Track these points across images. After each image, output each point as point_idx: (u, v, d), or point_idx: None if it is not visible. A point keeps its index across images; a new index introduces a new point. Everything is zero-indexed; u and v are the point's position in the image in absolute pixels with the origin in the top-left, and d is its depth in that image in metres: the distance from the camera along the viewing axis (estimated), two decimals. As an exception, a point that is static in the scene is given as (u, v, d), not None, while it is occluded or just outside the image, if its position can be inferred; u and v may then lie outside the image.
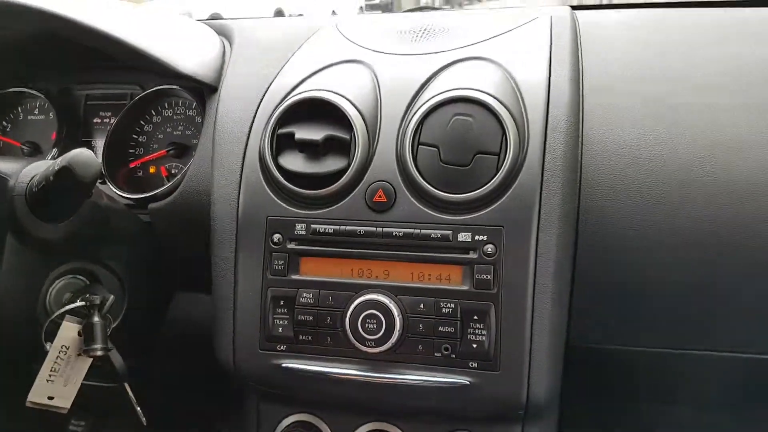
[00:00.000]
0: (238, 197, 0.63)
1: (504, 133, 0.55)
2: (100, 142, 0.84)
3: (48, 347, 0.60)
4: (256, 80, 0.70)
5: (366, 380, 0.58)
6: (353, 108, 0.60)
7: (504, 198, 0.55)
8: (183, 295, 0.79)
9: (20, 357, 0.65)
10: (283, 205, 0.61)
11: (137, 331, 0.71)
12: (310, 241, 0.60)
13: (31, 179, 0.56)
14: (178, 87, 0.78)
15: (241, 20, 0.90)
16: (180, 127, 0.81)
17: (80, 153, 0.53)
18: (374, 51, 0.68)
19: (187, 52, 0.73)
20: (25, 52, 0.82)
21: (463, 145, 0.56)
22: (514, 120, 0.56)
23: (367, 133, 0.60)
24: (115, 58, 0.71)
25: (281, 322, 0.60)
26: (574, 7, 0.76)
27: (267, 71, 0.70)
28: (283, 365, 0.60)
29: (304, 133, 0.60)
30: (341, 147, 0.60)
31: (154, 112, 0.82)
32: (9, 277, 0.56)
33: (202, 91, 0.75)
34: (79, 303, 0.61)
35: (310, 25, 0.80)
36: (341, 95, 0.61)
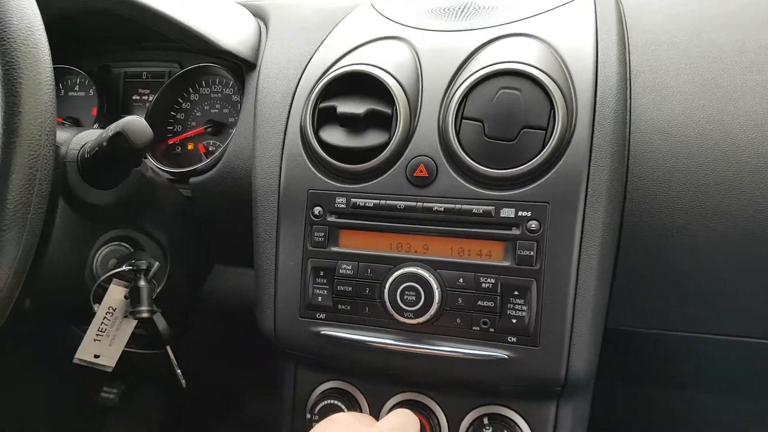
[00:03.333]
0: (280, 171, 0.64)
1: (552, 107, 0.55)
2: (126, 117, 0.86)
3: (96, 308, 0.62)
4: (294, 57, 0.70)
5: (402, 350, 0.58)
6: (395, 82, 0.60)
7: (550, 174, 0.55)
8: (220, 267, 0.80)
9: (70, 318, 0.67)
10: (324, 178, 0.62)
11: (176, 300, 0.73)
12: (349, 214, 0.60)
13: (83, 146, 0.58)
14: (217, 65, 0.79)
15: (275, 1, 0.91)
16: (217, 105, 0.82)
17: (133, 120, 0.54)
18: (413, 27, 0.69)
19: (228, 30, 0.74)
20: (68, 29, 0.83)
21: (510, 120, 0.55)
22: (563, 95, 0.56)
23: (409, 107, 0.60)
24: (159, 36, 0.73)
25: (321, 291, 0.61)
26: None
27: (305, 48, 0.71)
28: (322, 332, 0.61)
29: (345, 106, 0.60)
30: (382, 121, 0.60)
31: (191, 90, 0.83)
32: (60, 242, 0.57)
33: (241, 68, 0.76)
34: (126, 267, 0.62)
35: (344, 4, 0.80)
36: (383, 69, 0.61)
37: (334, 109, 0.61)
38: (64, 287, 0.61)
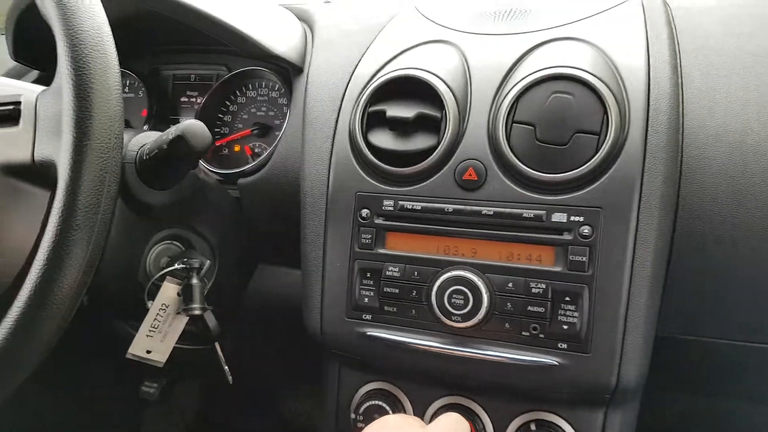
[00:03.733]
0: (329, 174, 0.65)
1: (606, 112, 0.55)
2: (186, 120, 0.88)
3: (149, 305, 0.64)
4: (342, 61, 0.71)
5: (449, 353, 0.58)
6: (444, 85, 0.60)
7: (603, 179, 0.54)
8: (263, 267, 0.82)
9: (122, 314, 0.69)
10: (372, 181, 0.62)
11: (223, 298, 0.75)
12: (397, 216, 0.61)
13: (141, 147, 0.59)
14: (264, 68, 0.81)
15: (321, 5, 0.92)
16: (263, 108, 0.84)
17: (194, 124, 0.55)
18: (460, 31, 0.69)
19: (277, 35, 0.76)
20: (122, 33, 0.86)
21: (562, 124, 0.55)
22: (616, 100, 0.55)
23: (458, 111, 0.60)
24: (207, 40, 0.74)
25: (367, 293, 0.61)
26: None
27: (352, 53, 0.71)
28: (368, 333, 0.61)
29: (395, 110, 0.61)
30: (430, 125, 0.60)
31: (238, 93, 0.84)
32: (117, 240, 0.59)
33: (287, 71, 0.77)
34: (179, 265, 0.64)
35: (388, 8, 0.81)
36: (431, 73, 0.62)
37: (382, 112, 0.61)
38: (119, 284, 0.63)
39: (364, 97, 0.63)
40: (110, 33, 0.47)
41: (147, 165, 0.58)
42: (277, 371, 1.00)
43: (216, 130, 0.85)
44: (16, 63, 0.87)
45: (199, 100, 0.87)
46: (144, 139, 0.61)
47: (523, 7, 0.72)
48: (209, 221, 0.72)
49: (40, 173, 0.47)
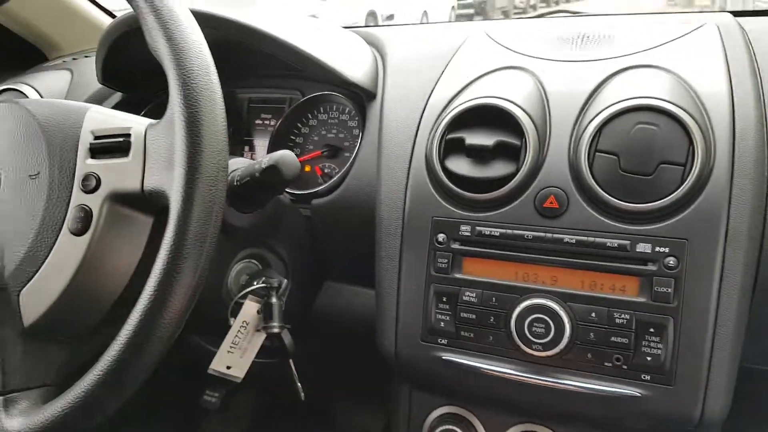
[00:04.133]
0: (405, 198, 0.66)
1: (691, 143, 0.54)
2: (259, 142, 0.92)
3: (231, 322, 0.67)
4: (416, 88, 0.73)
5: (528, 381, 0.59)
6: (524, 113, 0.61)
7: (689, 210, 0.54)
8: (330, 284, 0.84)
9: (203, 330, 0.72)
10: (449, 206, 0.63)
11: (293, 314, 0.77)
12: (474, 242, 0.62)
13: (232, 173, 0.62)
14: (337, 93, 0.83)
15: (387, 29, 0.95)
16: (333, 130, 0.86)
17: (286, 154, 0.58)
18: (534, 57, 0.69)
19: (351, 62, 0.78)
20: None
21: (647, 154, 0.55)
22: (701, 131, 0.55)
23: (538, 138, 0.61)
24: (283, 65, 0.77)
25: (443, 317, 0.62)
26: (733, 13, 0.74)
27: (425, 79, 0.73)
28: (444, 358, 0.62)
29: (474, 138, 0.62)
30: (509, 151, 0.61)
31: (310, 116, 0.87)
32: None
33: (360, 97, 0.80)
34: (260, 284, 0.67)
35: (457, 32, 0.82)
36: (510, 101, 0.62)
37: (461, 140, 0.62)
38: (206, 301, 0.66)
39: (442, 124, 0.64)
40: (215, 70, 0.50)
41: (237, 190, 0.61)
42: (338, 386, 1.02)
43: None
44: (100, 86, 0.93)
45: (272, 123, 0.90)
46: (234, 165, 0.64)
47: (595, 32, 0.73)
48: (284, 240, 0.75)
49: (146, 201, 0.50)
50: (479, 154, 0.62)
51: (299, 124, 0.88)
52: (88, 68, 0.98)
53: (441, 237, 0.63)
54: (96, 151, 0.53)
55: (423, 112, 0.69)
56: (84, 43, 1.14)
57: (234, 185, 0.61)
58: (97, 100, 0.98)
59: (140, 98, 0.95)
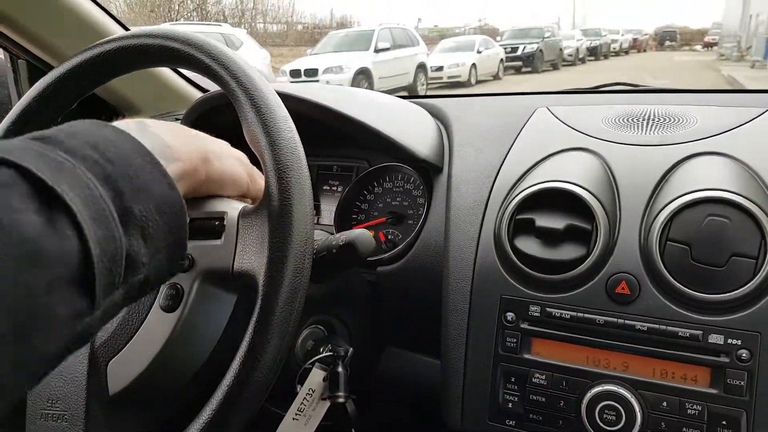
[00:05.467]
0: (473, 275, 0.69)
1: (763, 236, 0.55)
2: (325, 206, 0.96)
3: (298, 389, 0.69)
4: (483, 164, 0.76)
5: (598, 468, 0.59)
6: (594, 198, 0.63)
7: (761, 303, 0.55)
8: (392, 350, 0.86)
9: (274, 396, 0.74)
10: (518, 285, 0.65)
11: (356, 380, 0.79)
12: (544, 323, 0.63)
13: None
14: (403, 164, 0.88)
15: (450, 100, 0.99)
16: (398, 198, 0.90)
17: (362, 233, 0.61)
18: (600, 139, 0.72)
19: (419, 138, 0.82)
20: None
21: (718, 246, 0.56)
22: None
23: (608, 223, 0.62)
24: (352, 138, 0.82)
25: (511, 397, 0.63)
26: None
27: (492, 156, 0.76)
28: None
29: (544, 221, 0.64)
30: (579, 234, 0.63)
31: (376, 184, 0.92)
32: None
33: (426, 169, 0.83)
34: (327, 353, 0.69)
35: (518, 105, 0.86)
36: (580, 186, 0.65)
37: (530, 221, 0.65)
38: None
39: (512, 204, 0.67)
40: (306, 164, 0.53)
41: (313, 263, 0.65)
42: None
43: (353, 216, 0.92)
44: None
45: (339, 189, 0.95)
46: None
47: (661, 113, 0.75)
48: (349, 306, 0.77)
49: (234, 281, 0.54)
50: (549, 236, 0.64)
51: (365, 191, 0.92)
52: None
53: (510, 316, 0.65)
54: (191, 233, 0.57)
55: (491, 191, 0.72)
56: (162, 106, 1.21)
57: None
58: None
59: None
